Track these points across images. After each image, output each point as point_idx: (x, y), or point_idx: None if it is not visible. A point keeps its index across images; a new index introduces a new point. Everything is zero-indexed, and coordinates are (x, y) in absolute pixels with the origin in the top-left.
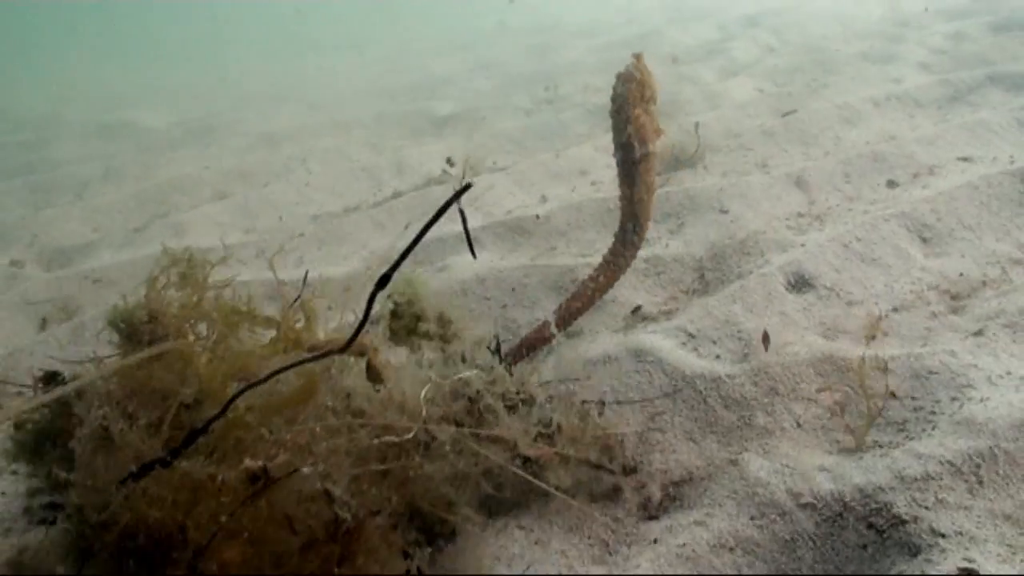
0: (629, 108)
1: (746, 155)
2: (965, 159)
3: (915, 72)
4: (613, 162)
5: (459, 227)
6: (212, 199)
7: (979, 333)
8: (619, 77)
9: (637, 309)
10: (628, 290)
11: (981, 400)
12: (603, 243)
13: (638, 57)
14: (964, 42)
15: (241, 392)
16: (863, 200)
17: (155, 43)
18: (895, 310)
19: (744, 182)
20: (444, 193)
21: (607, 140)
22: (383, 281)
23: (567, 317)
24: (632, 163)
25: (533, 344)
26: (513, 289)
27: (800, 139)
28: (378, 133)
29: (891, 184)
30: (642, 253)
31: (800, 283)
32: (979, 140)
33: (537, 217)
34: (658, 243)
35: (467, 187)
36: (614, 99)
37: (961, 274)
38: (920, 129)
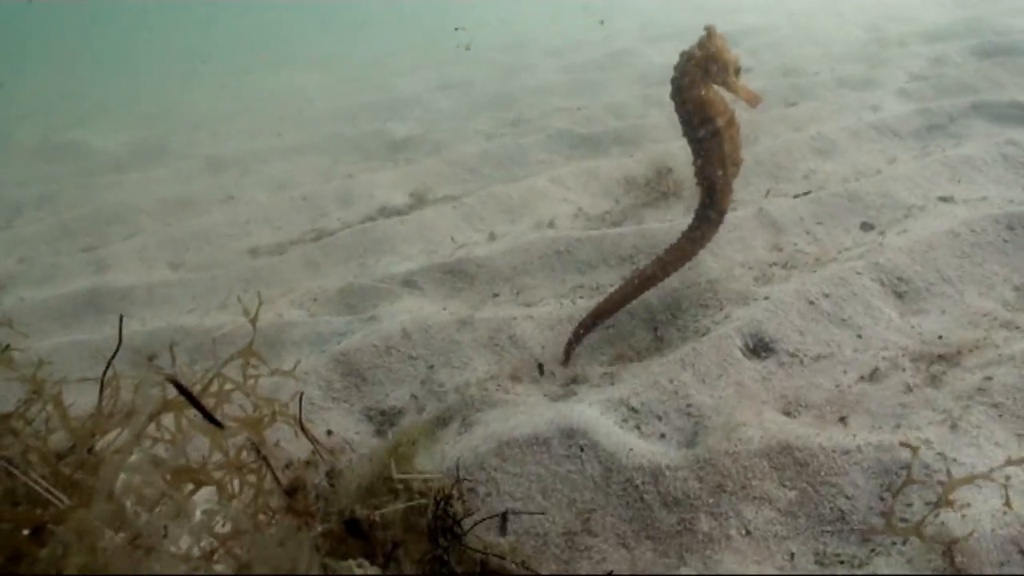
0: (687, 90)
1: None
2: (946, 199)
3: (894, 99)
4: (568, 196)
5: (400, 268)
6: (145, 230)
7: (959, 416)
8: (682, 55)
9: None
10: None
11: (960, 508)
12: (549, 290)
13: (710, 30)
14: (946, 67)
15: None
16: (835, 245)
17: (129, 53)
18: (865, 380)
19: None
20: (386, 231)
21: (565, 170)
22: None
23: (639, 287)
24: (698, 140)
25: (599, 316)
26: (443, 348)
27: (771, 172)
28: (331, 157)
29: (866, 227)
30: (590, 304)
31: (760, 347)
32: (962, 177)
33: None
34: (609, 291)
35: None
36: (673, 80)
37: (940, 336)
38: (899, 163)
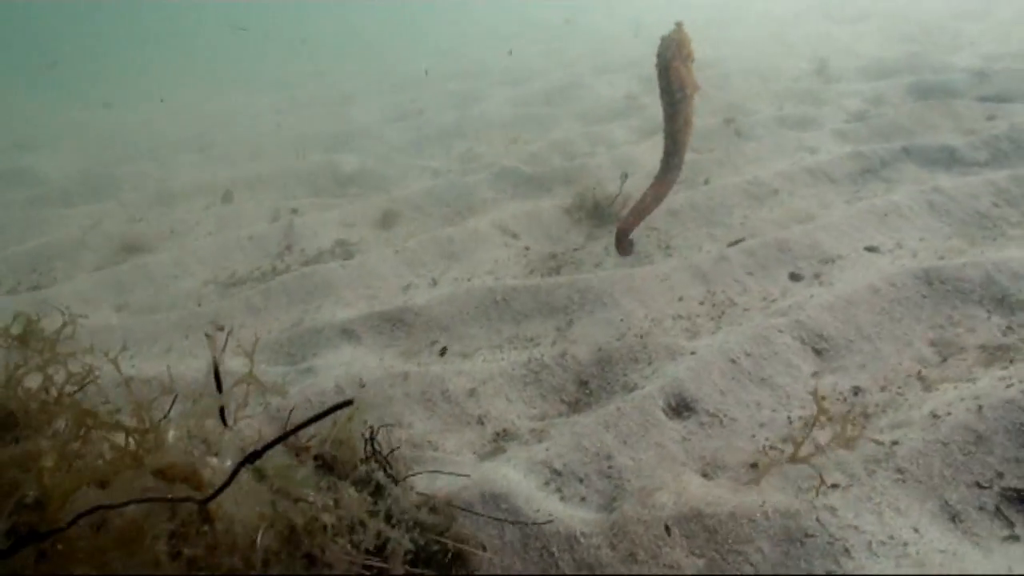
0: (671, 60)
1: (649, 236)
2: (872, 249)
3: (831, 140)
4: (508, 241)
5: (339, 315)
6: (90, 268)
7: (865, 481)
8: (663, 39)
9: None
10: (503, 402)
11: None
12: (484, 340)
13: (679, 25)
14: (883, 106)
15: (76, 519)
16: (763, 298)
17: (87, 70)
18: (781, 441)
19: (639, 274)
20: (327, 276)
21: (507, 212)
22: (253, 456)
23: (632, 224)
24: (673, 104)
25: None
26: (376, 403)
27: (707, 218)
28: (280, 192)
29: (794, 277)
30: (523, 356)
31: (681, 407)
32: (888, 226)
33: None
34: (543, 342)
35: (347, 403)
36: (659, 55)
37: (856, 394)
38: (830, 209)
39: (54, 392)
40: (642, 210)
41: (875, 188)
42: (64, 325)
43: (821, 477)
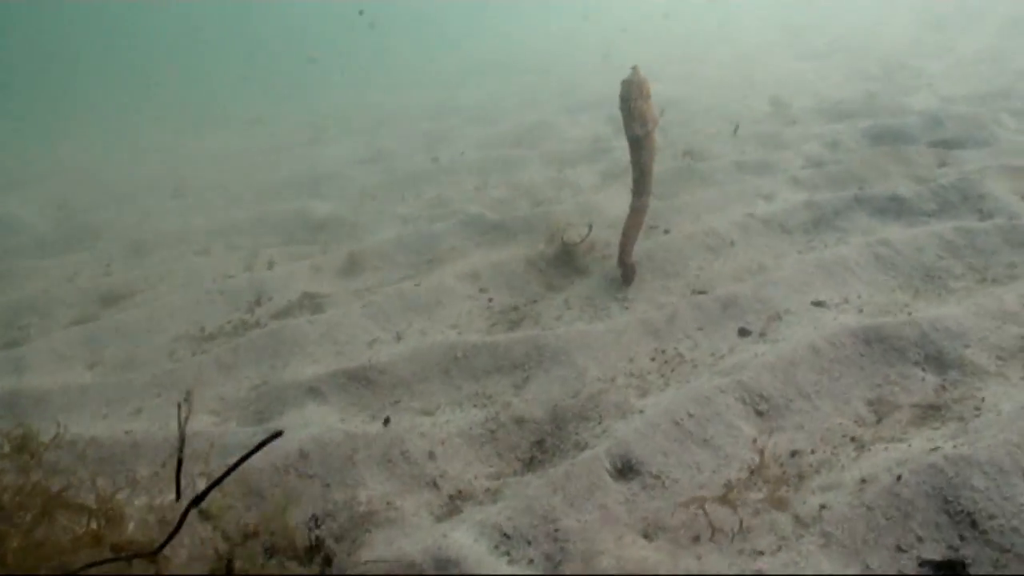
0: (632, 101)
1: (606, 288)
2: (819, 304)
3: (787, 188)
4: (472, 293)
5: (306, 373)
6: (66, 323)
7: (793, 544)
8: (623, 83)
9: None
10: (461, 463)
11: None
12: (445, 396)
13: (635, 68)
14: (839, 152)
15: None
16: (711, 353)
17: (65, 108)
18: (720, 502)
19: (593, 331)
20: (296, 332)
21: (472, 263)
22: (198, 500)
23: (627, 255)
24: (637, 138)
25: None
26: (338, 465)
27: (663, 270)
28: (252, 240)
29: (743, 333)
30: (481, 415)
31: (627, 468)
32: (835, 280)
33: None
34: (501, 399)
35: (278, 434)
36: (622, 97)
37: (793, 455)
38: (782, 261)
39: (28, 484)
40: (628, 240)
41: (826, 238)
42: (56, 436)
43: (752, 542)
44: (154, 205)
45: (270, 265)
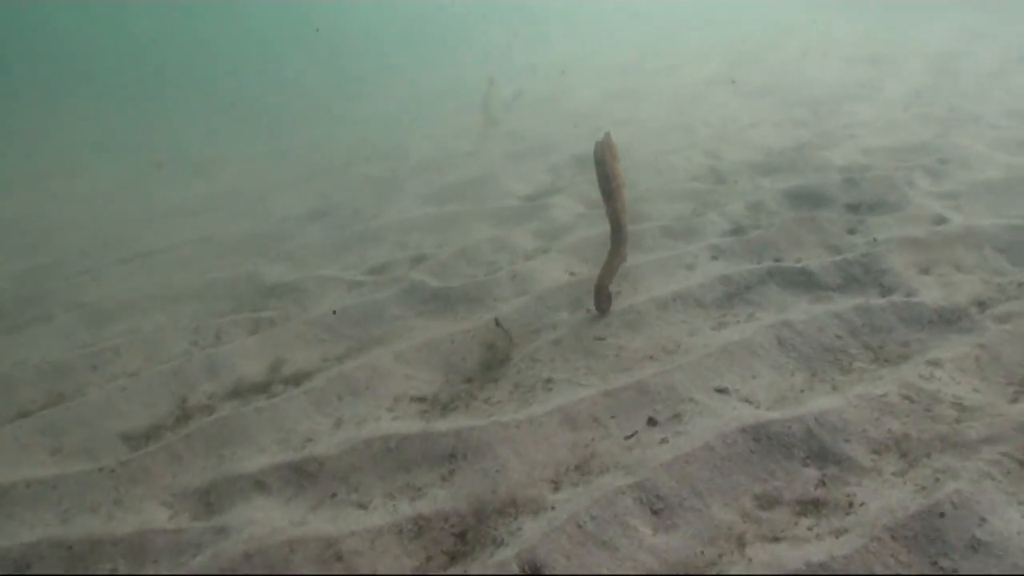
0: (605, 159)
1: (532, 368)
2: (721, 390)
3: (707, 258)
4: (409, 373)
5: (253, 464)
6: (26, 408)
7: None
8: (597, 143)
9: None
10: (391, 559)
11: None
12: (380, 489)
13: (607, 134)
14: (761, 214)
15: None
16: (620, 444)
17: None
18: None
19: (517, 420)
20: (244, 421)
21: (410, 342)
22: None
23: (605, 283)
24: (610, 191)
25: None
26: (279, 567)
27: (585, 350)
28: (205, 308)
29: (651, 422)
30: (409, 511)
31: (533, 571)
32: (739, 365)
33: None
34: (429, 492)
35: None
36: (595, 155)
37: (681, 555)
38: (694, 340)
39: None
40: (606, 280)
41: (739, 312)
42: None
43: None
44: (109, 271)
45: (221, 340)
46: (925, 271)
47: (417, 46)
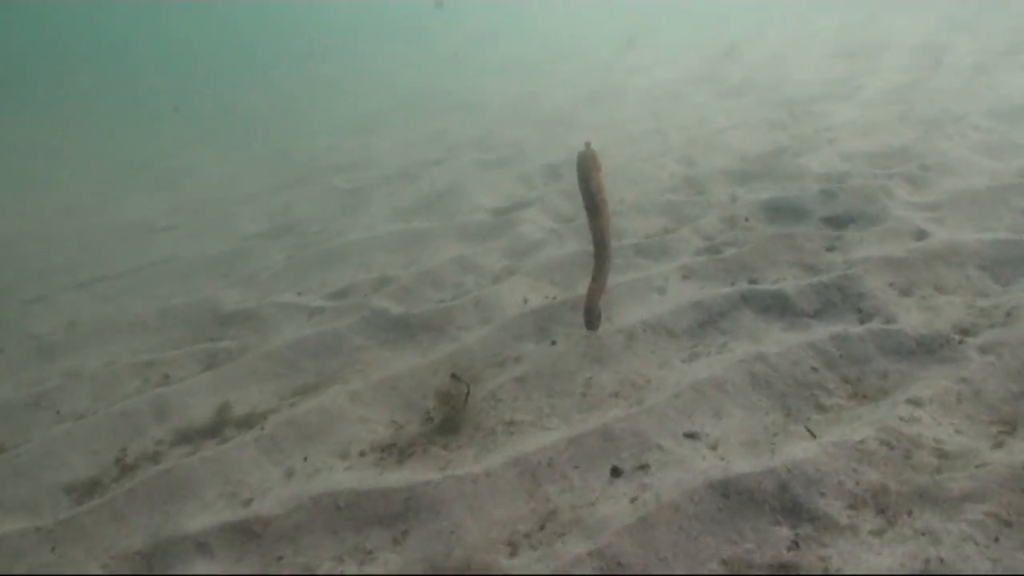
0: (589, 172)
1: (494, 408)
2: (690, 435)
3: (678, 279)
4: (365, 415)
5: (196, 524)
6: None
7: None
8: (580, 155)
9: None
10: None
11: None
12: (329, 550)
13: (588, 144)
14: (736, 230)
15: None
16: (582, 497)
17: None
18: None
19: (473, 474)
20: (189, 473)
21: (367, 379)
22: None
23: (594, 301)
24: (595, 205)
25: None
26: None
27: (550, 386)
28: (160, 339)
29: (615, 472)
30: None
31: None
32: (710, 405)
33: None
34: (380, 556)
35: None
36: (579, 168)
37: None
38: (663, 375)
39: None
40: (594, 298)
41: (710, 343)
42: None
43: None
44: (59, 293)
45: (174, 376)
46: (905, 293)
47: (395, 45)
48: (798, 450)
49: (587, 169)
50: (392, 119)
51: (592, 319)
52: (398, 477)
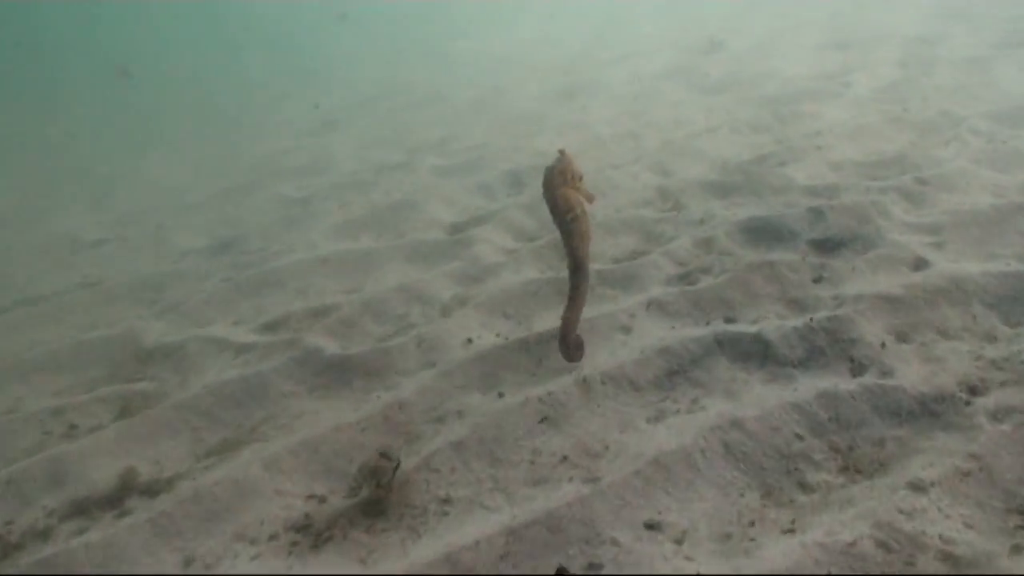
0: (556, 191)
1: (428, 482)
2: (651, 527)
3: (646, 315)
4: (281, 487)
5: None
6: None
7: None
8: (546, 170)
9: None
10: None
11: None
12: None
13: (562, 151)
14: (712, 253)
15: None
16: None
17: None
18: None
19: (395, 570)
20: (68, 560)
21: (287, 441)
22: None
23: (570, 330)
24: (566, 224)
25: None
26: None
27: (492, 454)
28: (73, 379)
29: (561, 574)
30: None
31: None
32: (676, 486)
33: None
34: None
35: None
36: (544, 186)
37: None
38: (624, 440)
39: None
40: (570, 325)
41: (680, 398)
42: None
43: None
44: None
45: (79, 429)
46: (903, 338)
47: (360, 41)
48: (778, 552)
49: (552, 186)
50: (356, 115)
51: (570, 351)
52: (311, 571)
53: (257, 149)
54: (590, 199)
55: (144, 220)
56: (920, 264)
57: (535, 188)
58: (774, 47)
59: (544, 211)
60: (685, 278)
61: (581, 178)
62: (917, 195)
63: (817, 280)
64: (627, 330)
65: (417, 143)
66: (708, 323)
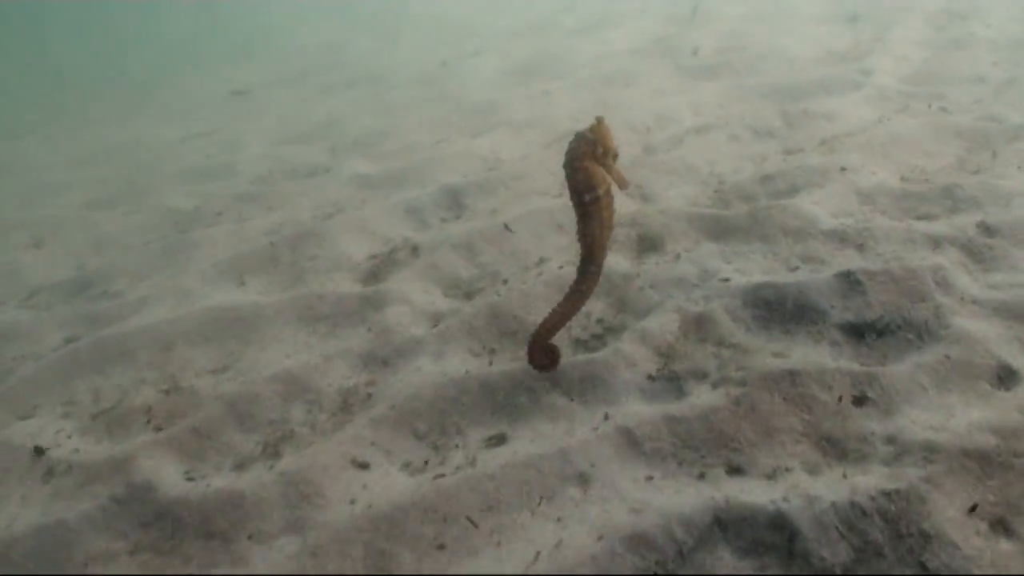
0: (580, 162)
1: None
2: None
3: (611, 454)
4: None
5: None
6: None
7: None
8: (575, 135)
9: None
10: None
11: None
12: None
13: (600, 119)
14: (708, 341)
15: None
16: None
17: None
18: None
19: None
20: None
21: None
22: None
23: (552, 329)
24: (583, 205)
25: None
26: None
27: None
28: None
29: None
30: None
31: None
32: None
33: None
34: None
35: None
36: (567, 154)
37: None
38: None
39: None
40: (553, 325)
41: None
42: None
43: None
44: None
45: None
46: (999, 527)
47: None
48: None
49: (578, 156)
50: (279, 95)
51: (535, 356)
52: None
53: (162, 136)
54: (622, 184)
55: (73, 225)
56: (1005, 375)
57: (477, 211)
58: (774, 18)
59: (486, 254)
60: (668, 383)
61: (616, 156)
62: (984, 252)
63: (859, 400)
64: (583, 482)
65: (343, 138)
66: (703, 475)
